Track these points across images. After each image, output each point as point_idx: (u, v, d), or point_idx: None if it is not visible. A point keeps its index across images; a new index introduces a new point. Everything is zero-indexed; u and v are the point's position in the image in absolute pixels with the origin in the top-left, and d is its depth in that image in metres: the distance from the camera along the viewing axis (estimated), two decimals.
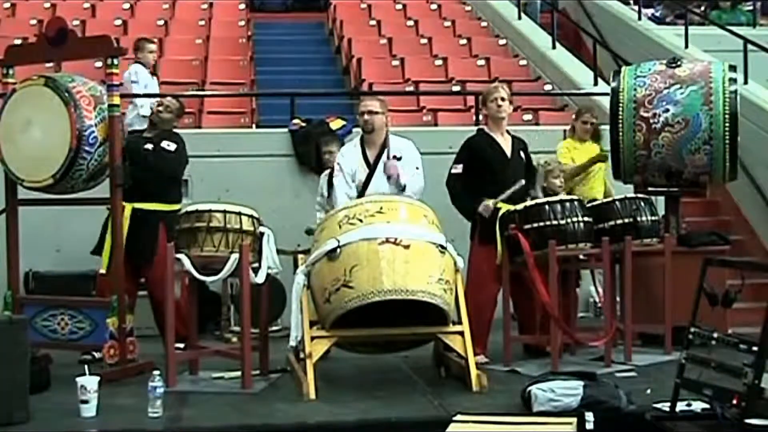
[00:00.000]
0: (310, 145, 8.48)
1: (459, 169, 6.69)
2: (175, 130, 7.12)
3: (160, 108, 7.02)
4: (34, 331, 6.14)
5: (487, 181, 6.63)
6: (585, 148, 8.08)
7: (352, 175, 6.55)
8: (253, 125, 9.91)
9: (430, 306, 5.65)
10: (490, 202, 6.51)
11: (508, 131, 6.86)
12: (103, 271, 6.57)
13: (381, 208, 5.84)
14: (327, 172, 7.61)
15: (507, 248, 6.38)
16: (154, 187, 6.79)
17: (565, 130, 8.63)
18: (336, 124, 8.84)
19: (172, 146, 6.87)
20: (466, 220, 6.69)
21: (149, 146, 6.83)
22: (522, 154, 6.84)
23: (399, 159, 6.57)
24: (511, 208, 6.44)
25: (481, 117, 8.93)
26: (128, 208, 6.58)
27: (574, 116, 8.41)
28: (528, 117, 10.09)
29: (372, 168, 6.55)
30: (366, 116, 6.58)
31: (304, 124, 8.91)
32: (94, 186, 6.47)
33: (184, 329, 6.30)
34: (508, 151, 6.75)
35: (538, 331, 6.63)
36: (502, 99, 6.72)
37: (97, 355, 6.34)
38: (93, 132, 6.19)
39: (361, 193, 6.47)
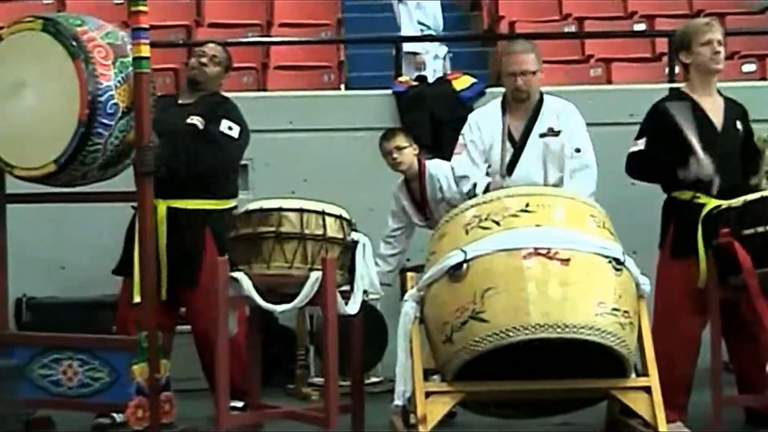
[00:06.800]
0: (423, 112, 8.55)
1: (640, 145, 6.66)
2: (225, 94, 7.24)
3: (204, 60, 7.12)
4: (29, 383, 6.28)
5: (683, 167, 6.58)
6: None
7: (487, 152, 6.59)
8: (341, 86, 10.01)
9: (598, 348, 5.65)
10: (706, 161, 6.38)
11: (719, 91, 6.82)
12: (137, 299, 6.38)
13: (527, 205, 5.85)
14: (401, 181, 7.58)
15: (715, 264, 6.34)
16: (198, 177, 6.90)
17: None
18: (461, 82, 8.90)
19: (236, 130, 6.96)
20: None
21: (195, 120, 6.94)
22: (739, 125, 6.79)
23: (557, 134, 6.62)
24: (721, 203, 6.40)
25: (677, 69, 8.89)
26: (161, 207, 6.72)
27: None
28: (749, 68, 9.98)
29: (520, 144, 6.61)
30: (519, 79, 6.62)
31: (414, 84, 8.98)
32: (114, 175, 6.50)
33: (242, 381, 6.42)
34: (719, 122, 6.70)
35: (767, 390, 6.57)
36: (719, 42, 6.67)
37: (118, 417, 6.50)
38: (111, 97, 6.26)
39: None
